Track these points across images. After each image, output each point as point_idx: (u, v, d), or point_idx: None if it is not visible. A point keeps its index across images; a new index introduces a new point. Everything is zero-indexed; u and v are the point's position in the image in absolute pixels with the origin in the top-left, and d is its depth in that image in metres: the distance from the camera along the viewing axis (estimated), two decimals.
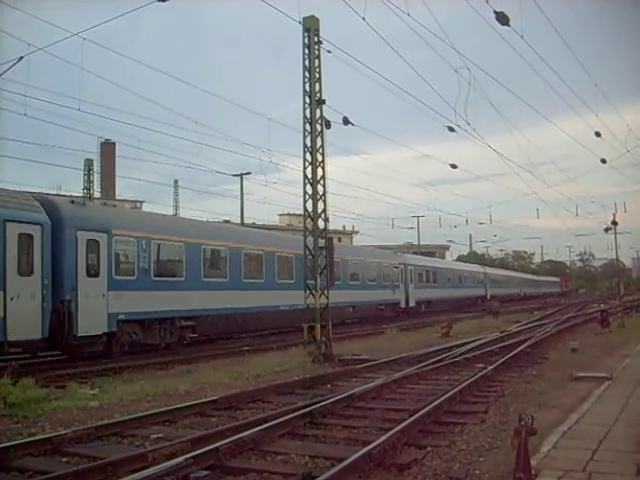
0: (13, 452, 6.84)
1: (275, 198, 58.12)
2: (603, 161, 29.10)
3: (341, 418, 8.69)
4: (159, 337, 17.98)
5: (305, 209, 17.31)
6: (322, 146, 17.06)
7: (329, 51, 16.96)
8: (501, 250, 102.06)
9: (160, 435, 7.78)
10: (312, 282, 17.00)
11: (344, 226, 71.62)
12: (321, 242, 17.17)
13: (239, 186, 41.79)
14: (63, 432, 7.70)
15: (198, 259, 19.81)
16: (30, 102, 24.34)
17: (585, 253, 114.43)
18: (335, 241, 21.74)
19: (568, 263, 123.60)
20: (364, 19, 14.14)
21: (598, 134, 25.72)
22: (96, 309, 15.62)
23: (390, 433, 6.88)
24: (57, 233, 14.99)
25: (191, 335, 19.36)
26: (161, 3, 12.84)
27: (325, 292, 16.97)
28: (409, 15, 13.92)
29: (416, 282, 38.75)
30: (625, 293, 54.27)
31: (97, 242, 16.01)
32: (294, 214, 57.71)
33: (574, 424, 7.45)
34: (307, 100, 16.91)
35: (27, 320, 13.82)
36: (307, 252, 17.22)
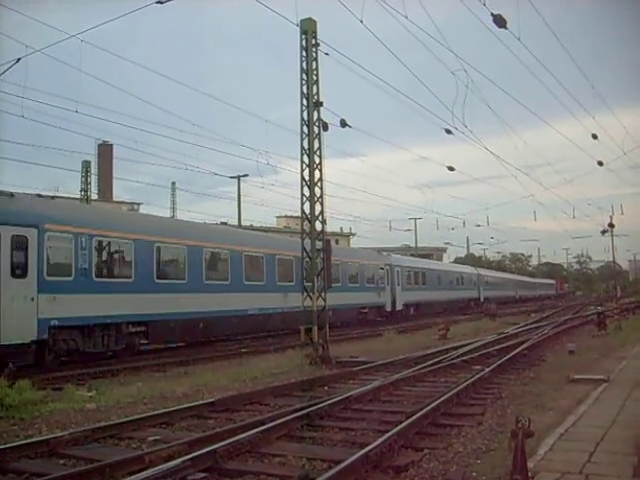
0: (10, 454, 6.82)
1: (272, 200, 57.93)
2: (600, 163, 29.21)
3: (338, 420, 8.68)
4: (102, 344, 16.21)
5: (302, 211, 17.35)
6: (319, 148, 17.12)
7: (327, 53, 17.06)
8: (498, 252, 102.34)
9: (157, 437, 7.77)
10: (309, 284, 17.04)
11: (341, 228, 71.59)
12: (318, 244, 17.22)
13: (236, 188, 41.77)
14: (60, 434, 7.70)
15: (150, 258, 18.08)
16: (28, 104, 24.24)
17: (582, 255, 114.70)
18: (332, 243, 21.61)
19: (565, 265, 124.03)
20: (362, 21, 14.21)
21: (595, 136, 25.79)
22: (23, 314, 13.80)
23: (387, 435, 6.88)
24: None
25: (142, 342, 18.01)
26: (159, 5, 12.92)
27: (322, 294, 17.02)
28: (406, 17, 14.00)
29: (404, 284, 37.20)
30: (622, 295, 54.42)
31: (25, 238, 14.24)
32: (291, 216, 57.73)
33: (571, 426, 7.47)
34: (304, 102, 16.95)
35: None
36: (305, 254, 17.26)
